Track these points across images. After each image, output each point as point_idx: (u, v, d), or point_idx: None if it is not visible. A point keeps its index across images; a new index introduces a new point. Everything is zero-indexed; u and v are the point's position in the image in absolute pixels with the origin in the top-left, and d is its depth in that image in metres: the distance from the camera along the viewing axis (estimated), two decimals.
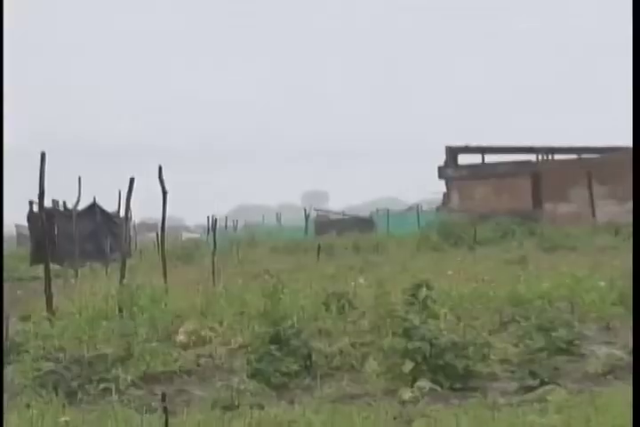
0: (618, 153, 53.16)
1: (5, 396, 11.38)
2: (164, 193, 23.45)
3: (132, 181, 23.71)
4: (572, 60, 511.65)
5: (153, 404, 10.05)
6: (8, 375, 12.49)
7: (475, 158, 56.73)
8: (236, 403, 10.30)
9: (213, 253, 26.87)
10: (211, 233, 34.45)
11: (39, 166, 19.33)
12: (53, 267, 20.84)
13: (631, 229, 37.48)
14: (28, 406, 10.21)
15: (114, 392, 11.25)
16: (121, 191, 26.39)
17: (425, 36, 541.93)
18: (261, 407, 9.99)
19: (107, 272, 28.37)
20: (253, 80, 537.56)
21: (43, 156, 19.17)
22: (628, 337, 13.35)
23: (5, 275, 31.97)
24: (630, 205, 36.75)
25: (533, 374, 11.04)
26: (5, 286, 25.97)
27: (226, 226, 59.09)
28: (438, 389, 10.73)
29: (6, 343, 14.26)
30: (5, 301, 18.78)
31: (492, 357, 12.05)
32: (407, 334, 11.69)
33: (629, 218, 38.05)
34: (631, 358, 12.25)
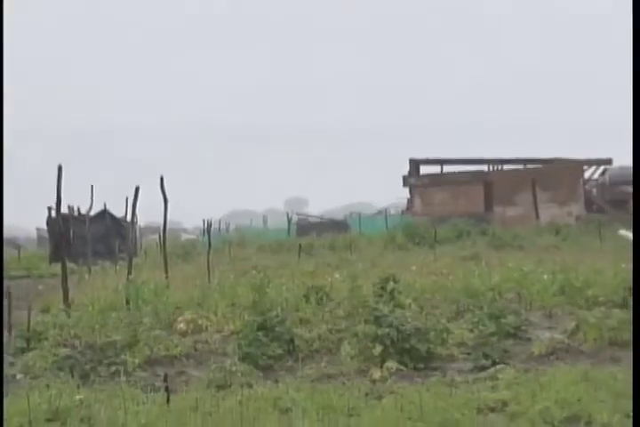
0: (557, 163, 53.48)
1: (28, 378, 11.29)
2: (165, 201, 23.44)
3: (137, 190, 23.64)
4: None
5: (156, 384, 10.00)
6: (30, 360, 12.38)
7: (435, 169, 56.80)
8: (229, 382, 10.29)
9: (208, 253, 26.75)
10: (206, 235, 34.42)
11: (56, 178, 19.17)
12: (69, 265, 20.71)
13: (570, 229, 37.46)
14: (47, 386, 10.14)
15: (122, 374, 11.21)
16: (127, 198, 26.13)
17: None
18: (250, 386, 9.98)
19: (115, 270, 28.27)
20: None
21: (59, 168, 19.00)
22: (567, 323, 13.37)
23: (28, 272, 32.03)
24: (569, 208, 36.84)
25: (486, 356, 11.02)
26: (28, 281, 25.92)
27: (219, 228, 59.20)
28: (404, 369, 10.77)
29: (28, 332, 14.15)
30: (28, 294, 18.66)
31: (450, 341, 12.05)
32: (377, 321, 11.68)
33: (568, 219, 38.04)
34: (570, 341, 12.28)
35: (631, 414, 7.66)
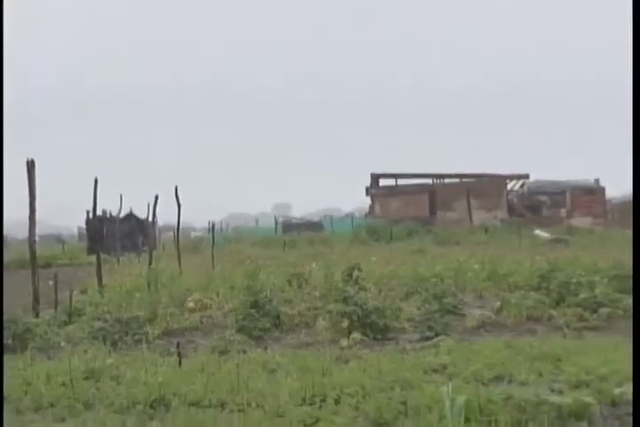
0: (485, 178, 53.75)
1: (69, 345, 11.22)
2: (179, 206, 23.44)
3: (156, 198, 23.70)
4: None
5: (171, 350, 10.00)
6: (71, 331, 12.32)
7: (390, 181, 56.91)
8: (228, 349, 10.27)
9: (212, 247, 26.72)
10: (210, 233, 34.36)
11: (93, 189, 19.11)
12: (103, 256, 20.63)
13: (496, 229, 37.27)
14: (84, 351, 10.09)
15: (144, 342, 11.15)
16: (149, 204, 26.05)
17: None
18: (245, 352, 9.96)
19: (139, 260, 28.19)
20: None
21: (96, 181, 18.90)
22: (494, 303, 13.40)
23: (70, 262, 31.92)
24: (495, 212, 36.73)
25: (430, 328, 11.03)
26: (70, 269, 25.77)
27: (221, 228, 59.25)
28: (366, 339, 10.76)
29: (70, 309, 14.08)
30: (70, 279, 18.52)
31: (402, 317, 12.04)
32: (345, 301, 11.69)
33: (495, 221, 37.92)
34: (496, 317, 12.30)
35: (544, 374, 7.70)
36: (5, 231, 74.23)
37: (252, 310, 11.99)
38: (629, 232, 37.52)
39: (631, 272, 13.56)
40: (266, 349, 10.29)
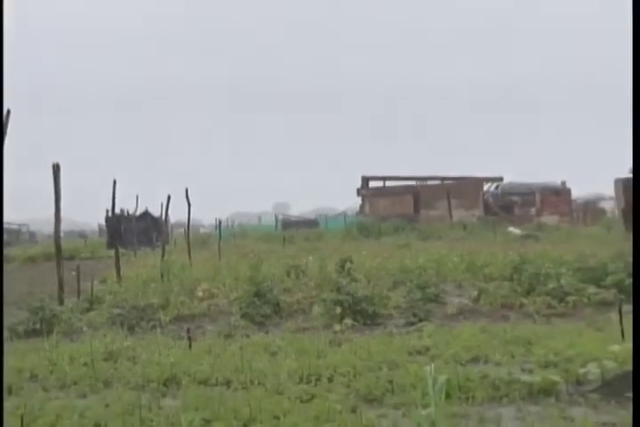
0: (464, 180, 53.75)
1: (90, 329, 11.22)
2: (189, 206, 23.55)
3: (169, 198, 23.76)
4: None
5: (182, 334, 9.96)
6: (92, 317, 12.32)
7: (379, 183, 56.87)
8: (233, 333, 10.27)
9: (219, 242, 26.75)
10: (217, 229, 34.36)
11: (112, 189, 19.09)
12: (121, 250, 20.62)
13: (473, 226, 37.13)
14: (104, 335, 10.11)
15: (157, 327, 11.22)
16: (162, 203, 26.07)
17: None
18: (248, 336, 9.97)
19: (153, 254, 28.22)
20: None
21: (114, 182, 18.86)
22: (471, 292, 13.40)
23: (92, 255, 31.87)
24: (472, 211, 36.61)
25: (414, 315, 11.03)
26: (92, 261, 25.76)
27: (227, 225, 59.19)
28: (357, 324, 10.75)
29: (91, 297, 14.08)
30: (92, 270, 18.54)
31: (390, 304, 12.05)
32: (338, 290, 11.70)
33: (472, 219, 37.77)
34: (473, 305, 12.30)
35: (516, 356, 7.72)
36: (34, 228, 73.86)
37: (255, 299, 12.00)
38: (592, 229, 37.60)
39: (595, 264, 13.66)
40: (267, 333, 10.31)
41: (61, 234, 15.70)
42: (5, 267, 26.56)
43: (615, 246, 17.50)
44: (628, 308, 10.09)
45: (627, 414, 5.42)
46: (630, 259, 14.12)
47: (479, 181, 54.48)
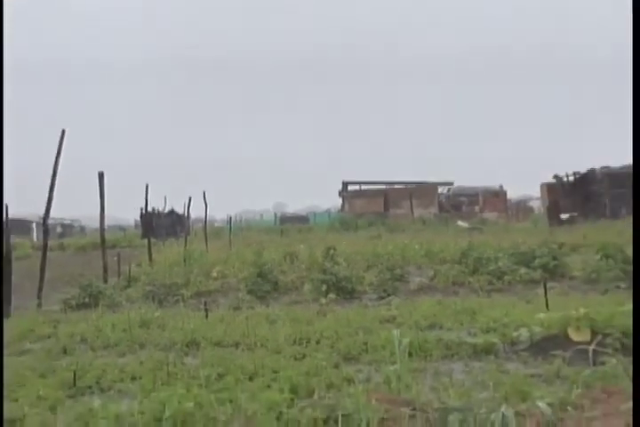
0: (423, 184, 53.80)
1: (128, 303, 11.16)
2: (206, 206, 23.60)
3: (189, 199, 23.80)
4: None
5: (200, 307, 9.90)
6: (129, 293, 12.27)
7: (356, 187, 56.88)
8: (240, 306, 10.26)
9: (229, 234, 26.72)
10: (228, 224, 34.31)
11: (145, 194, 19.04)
12: (152, 240, 20.60)
13: (430, 221, 37.03)
14: (139, 307, 10.06)
15: (181, 301, 11.15)
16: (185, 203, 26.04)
17: None
18: (252, 308, 9.96)
19: (177, 243, 28.09)
20: None
21: (147, 186, 18.79)
22: (429, 273, 13.38)
23: (129, 244, 31.62)
24: (430, 209, 36.41)
25: (384, 291, 11.06)
26: (129, 249, 25.57)
27: (236, 220, 58.99)
28: (339, 298, 10.76)
29: (129, 277, 14.02)
30: (130, 256, 18.44)
31: (364, 282, 12.03)
32: (324, 272, 11.71)
33: (429, 216, 37.67)
34: (430, 283, 12.29)
35: (464, 323, 7.72)
36: (83, 223, 73.17)
37: (258, 278, 12.00)
38: (523, 223, 37.65)
39: (525, 250, 13.67)
40: (267, 306, 10.29)
41: (105, 227, 15.66)
42: (61, 254, 26.56)
43: (541, 237, 17.60)
44: (551, 284, 10.15)
45: (550, 368, 5.43)
46: (554, 246, 14.22)
47: (435, 186, 54.65)
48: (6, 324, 9.18)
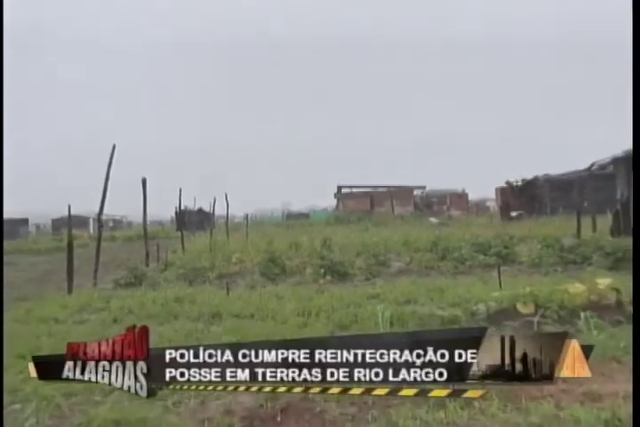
0: (401, 188, 53.68)
1: (165, 282, 11.11)
2: (227, 206, 23.53)
3: (214, 200, 23.75)
4: None
5: (222, 286, 9.87)
6: (166, 275, 12.21)
7: (348, 190, 56.72)
8: (255, 285, 10.22)
9: (246, 228, 26.65)
10: (245, 220, 34.27)
11: (178, 197, 18.96)
12: (185, 233, 20.59)
13: (408, 217, 36.63)
14: (174, 286, 10.04)
15: (207, 282, 11.10)
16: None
17: None
18: (264, 287, 9.89)
19: (205, 235, 28.03)
20: None
21: (180, 190, 18.72)
22: (406, 259, 13.29)
23: (166, 236, 31.54)
24: (407, 208, 36.04)
25: (370, 273, 11.03)
26: (166, 240, 25.49)
27: (251, 217, 58.68)
28: (334, 279, 10.66)
29: (165, 262, 13.97)
30: (166, 246, 18.38)
31: (354, 267, 11.96)
32: (322, 258, 11.65)
33: (407, 213, 37.11)
34: (407, 267, 12.23)
35: (434, 299, 7.69)
36: (130, 219, 72.71)
37: (269, 263, 11.92)
38: (481, 219, 37.21)
39: (483, 241, 13.62)
40: (277, 285, 10.23)
41: (147, 222, 15.63)
42: (112, 244, 26.46)
43: (495, 230, 17.56)
44: (503, 268, 10.14)
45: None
46: (506, 237, 14.20)
47: (411, 189, 54.74)
48: (69, 299, 9.18)
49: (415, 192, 55.24)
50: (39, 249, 24.50)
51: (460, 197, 53.24)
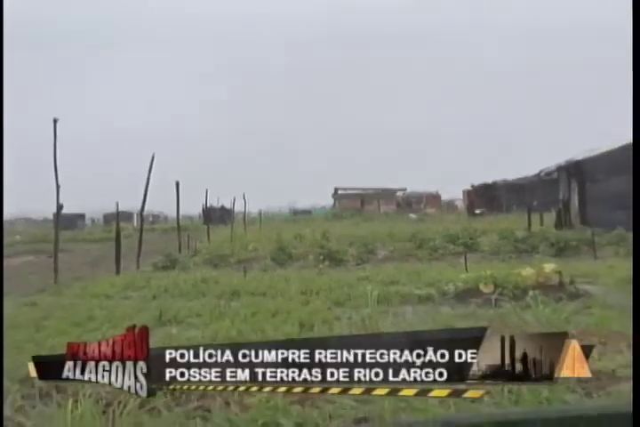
0: (387, 190, 53.55)
1: (195, 266, 11.06)
2: (245, 204, 23.45)
3: (234, 199, 23.56)
4: None
5: (240, 269, 9.77)
6: (195, 260, 12.14)
7: (343, 191, 56.56)
8: (267, 269, 10.15)
9: (260, 222, 26.61)
10: (259, 216, 34.18)
11: (204, 197, 18.85)
12: (210, 226, 20.49)
13: (392, 215, 36.52)
14: (202, 270, 9.98)
15: (228, 266, 11.03)
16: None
17: None
18: (274, 270, 9.84)
19: (226, 228, 27.95)
20: None
21: (206, 191, 18.62)
22: (390, 248, 13.21)
23: (194, 228, 31.32)
24: (391, 207, 35.85)
25: (361, 260, 10.96)
26: (195, 232, 25.25)
27: (264, 213, 58.45)
28: (331, 265, 10.59)
29: (195, 250, 13.91)
30: (195, 236, 18.29)
31: (348, 254, 11.88)
32: (321, 247, 11.61)
33: (391, 211, 36.90)
34: (391, 255, 12.13)
35: (412, 280, 7.65)
36: (166, 214, 72.52)
37: (279, 251, 11.88)
38: (451, 216, 37.10)
39: (453, 233, 13.58)
40: (285, 269, 10.18)
41: (180, 217, 15.59)
42: (151, 235, 26.28)
43: (462, 225, 17.50)
44: (469, 255, 10.09)
45: (467, 310, 5.41)
46: (471, 230, 14.15)
47: (394, 190, 54.73)
48: (116, 279, 9.16)
49: (398, 193, 55.26)
50: (93, 239, 24.51)
51: (434, 198, 53.14)
